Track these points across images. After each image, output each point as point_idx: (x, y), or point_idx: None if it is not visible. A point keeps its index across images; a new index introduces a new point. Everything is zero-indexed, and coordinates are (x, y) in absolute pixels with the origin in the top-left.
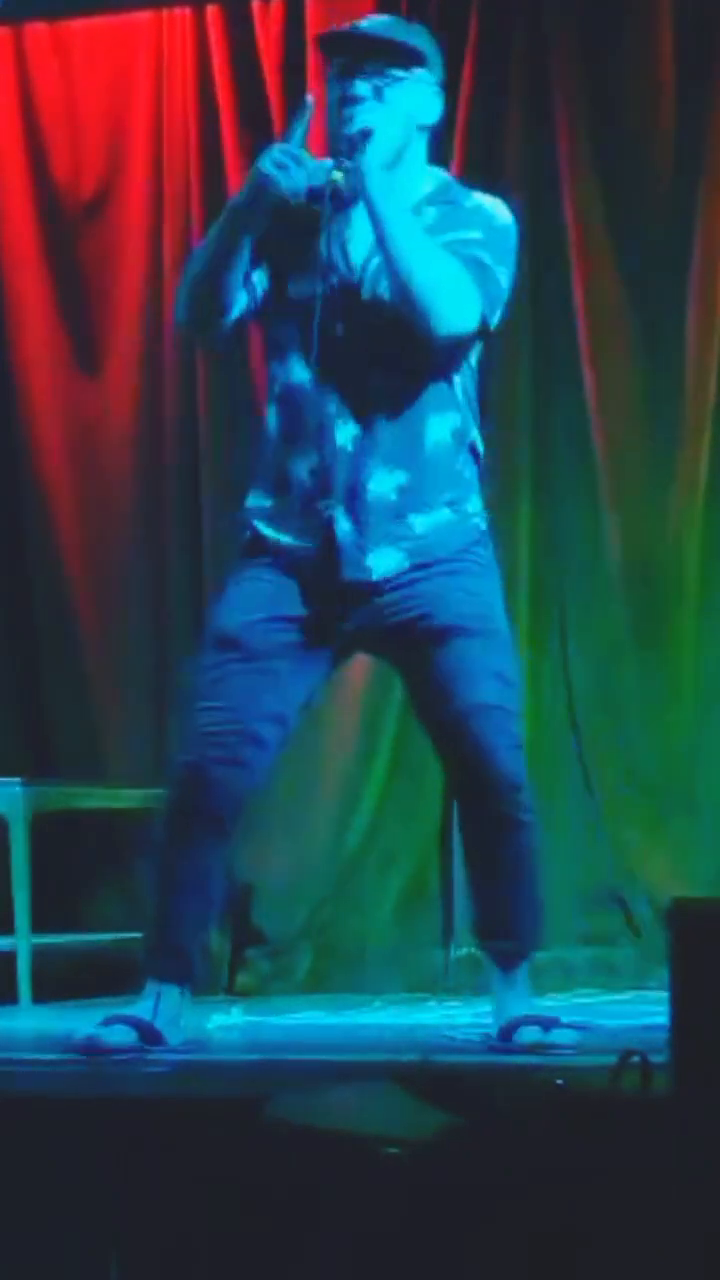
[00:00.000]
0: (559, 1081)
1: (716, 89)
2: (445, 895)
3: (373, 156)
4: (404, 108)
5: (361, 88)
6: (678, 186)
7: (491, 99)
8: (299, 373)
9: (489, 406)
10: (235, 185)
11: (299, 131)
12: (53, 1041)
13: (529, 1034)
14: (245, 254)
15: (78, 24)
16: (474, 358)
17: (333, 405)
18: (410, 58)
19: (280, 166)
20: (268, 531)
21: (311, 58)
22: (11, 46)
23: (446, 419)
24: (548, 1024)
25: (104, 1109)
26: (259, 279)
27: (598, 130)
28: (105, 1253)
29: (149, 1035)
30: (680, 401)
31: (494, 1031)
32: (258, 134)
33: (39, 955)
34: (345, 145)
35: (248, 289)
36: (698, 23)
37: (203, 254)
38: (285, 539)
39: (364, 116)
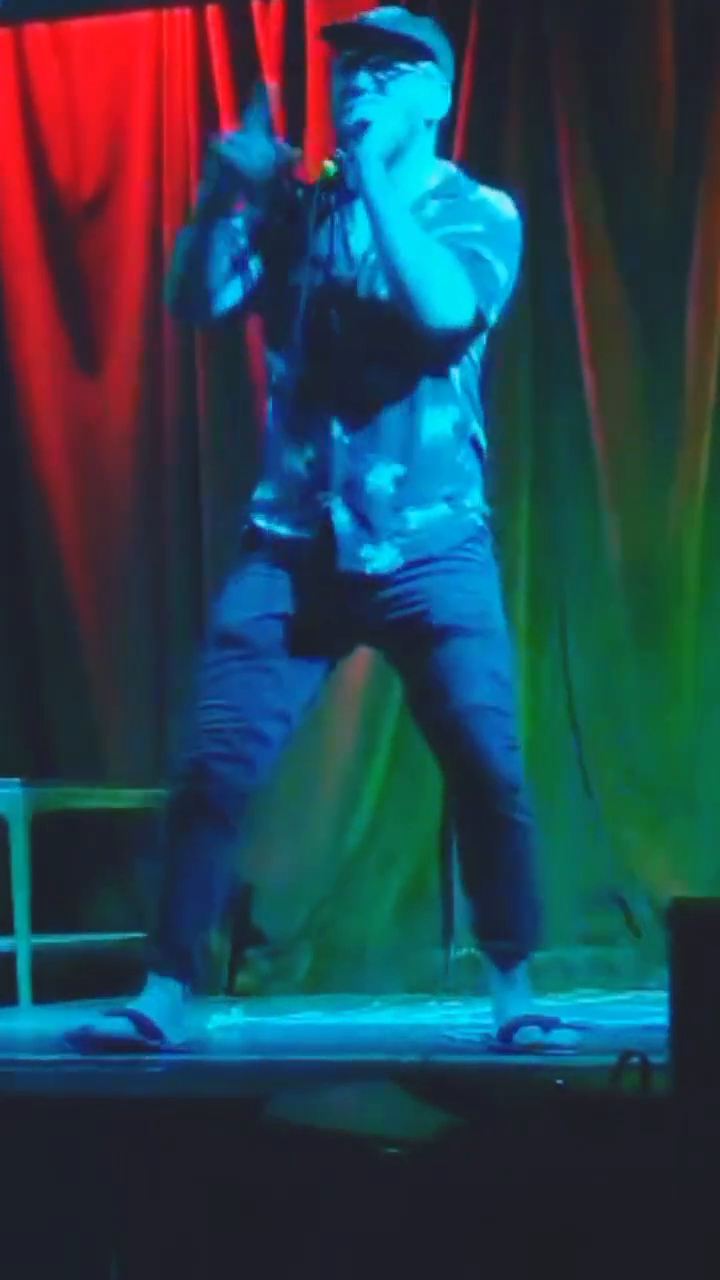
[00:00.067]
0: (559, 1082)
1: (716, 89)
2: (445, 895)
3: (369, 147)
4: (407, 101)
5: (364, 80)
6: (678, 186)
7: (492, 99)
8: (295, 364)
9: (490, 406)
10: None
11: (256, 115)
12: (52, 1042)
13: (529, 1034)
14: (222, 240)
15: (78, 24)
16: (475, 353)
17: (328, 397)
18: (416, 51)
19: (231, 145)
20: (265, 524)
21: (311, 57)
22: (11, 47)
23: (446, 412)
24: (548, 1024)
25: (104, 1109)
26: (255, 267)
27: (598, 130)
28: (105, 1252)
29: (147, 1029)
30: (680, 401)
31: (494, 1032)
32: None
33: (39, 956)
34: (343, 136)
35: (243, 277)
36: (698, 23)
37: (181, 240)
38: (283, 531)
39: (363, 108)
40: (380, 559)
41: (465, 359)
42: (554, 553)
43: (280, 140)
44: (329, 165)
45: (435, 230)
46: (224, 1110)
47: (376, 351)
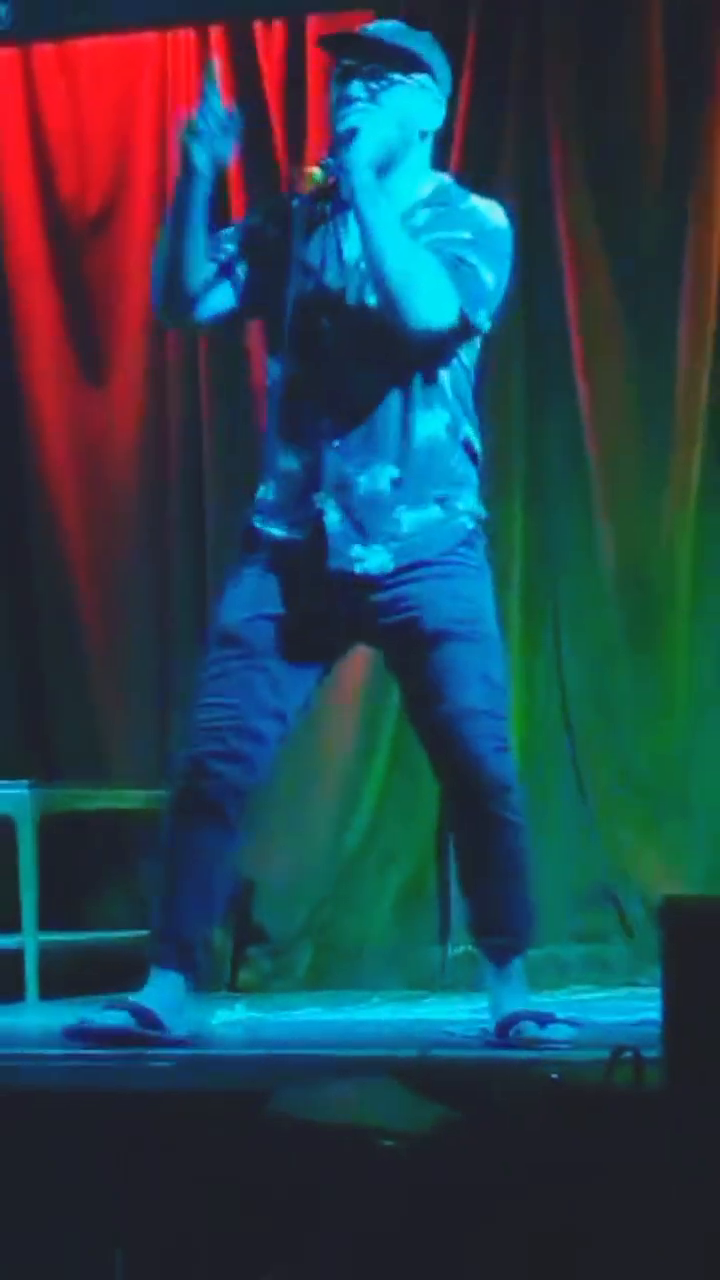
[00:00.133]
0: (554, 1076)
1: (705, 108)
2: (442, 894)
3: (357, 155)
4: (400, 111)
5: (357, 89)
6: (668, 201)
7: (488, 113)
8: (292, 369)
9: (484, 413)
10: (237, 202)
11: (210, 95)
12: (58, 1037)
13: (525, 1029)
14: (204, 244)
15: (84, 44)
16: (467, 357)
17: (319, 400)
18: (410, 63)
19: (193, 133)
20: (262, 526)
21: (311, 77)
22: (20, 66)
23: (437, 415)
24: (543, 1019)
25: (109, 1103)
26: (247, 274)
27: (591, 144)
28: (111, 1243)
29: (147, 1020)
30: (672, 409)
31: (490, 1027)
32: (259, 151)
33: (45, 953)
34: (335, 143)
35: (234, 283)
36: (688, 42)
37: (159, 240)
38: (279, 532)
39: (355, 117)
40: (370, 559)
41: (455, 363)
42: (548, 557)
43: (232, 113)
44: (316, 172)
45: (424, 237)
46: (227, 1104)
47: (366, 356)
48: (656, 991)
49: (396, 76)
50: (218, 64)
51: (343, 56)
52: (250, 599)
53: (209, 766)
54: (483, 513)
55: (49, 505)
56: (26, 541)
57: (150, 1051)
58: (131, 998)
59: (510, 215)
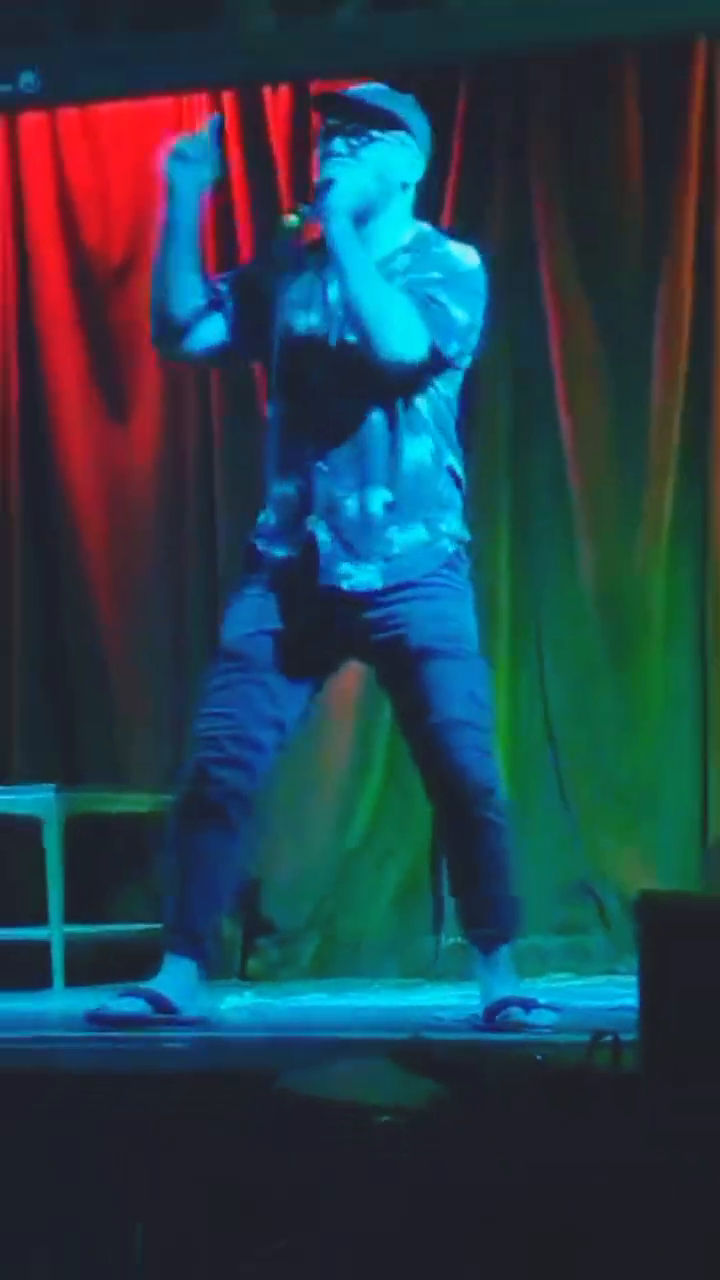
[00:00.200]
0: (538, 1057)
1: (675, 172)
2: (436, 891)
3: (333, 202)
4: (379, 165)
5: (338, 145)
6: (643, 256)
7: (477, 177)
8: (284, 403)
9: (474, 446)
10: (247, 253)
11: (204, 131)
12: (82, 1021)
13: (511, 1014)
14: (186, 256)
15: (105, 109)
16: (447, 390)
17: (310, 431)
18: (390, 122)
19: (179, 157)
20: (263, 547)
21: (314, 136)
22: (48, 129)
23: (421, 442)
24: (528, 1005)
25: (128, 1081)
26: (234, 309)
27: (573, 203)
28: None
29: (161, 1005)
30: (646, 445)
31: (479, 1012)
32: (267, 205)
33: (70, 944)
34: (315, 193)
35: (223, 314)
36: (661, 112)
37: (154, 263)
38: (277, 553)
39: (333, 168)
40: (358, 576)
41: (435, 395)
42: (533, 581)
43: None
44: (291, 219)
45: (400, 279)
46: (238, 1082)
47: (349, 391)
48: (633, 980)
49: (376, 134)
50: (221, 116)
51: (328, 115)
52: (251, 616)
53: (210, 772)
54: (465, 535)
55: (75, 531)
56: (55, 566)
57: (165, 1034)
58: (147, 984)
59: (485, 258)
